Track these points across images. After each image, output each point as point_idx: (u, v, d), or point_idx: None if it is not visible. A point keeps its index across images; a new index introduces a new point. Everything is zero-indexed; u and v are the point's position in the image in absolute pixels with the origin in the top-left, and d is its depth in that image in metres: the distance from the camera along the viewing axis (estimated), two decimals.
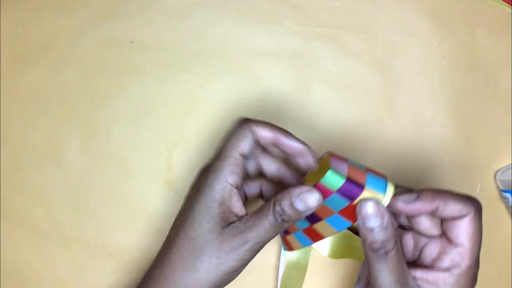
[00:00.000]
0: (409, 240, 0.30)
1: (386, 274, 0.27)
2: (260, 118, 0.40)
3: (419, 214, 0.28)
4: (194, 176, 0.39)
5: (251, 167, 0.31)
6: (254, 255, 0.29)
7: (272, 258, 0.39)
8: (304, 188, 0.27)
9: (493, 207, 0.39)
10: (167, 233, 0.39)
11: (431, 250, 0.28)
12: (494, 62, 0.40)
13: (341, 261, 0.39)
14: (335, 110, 0.40)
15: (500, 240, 0.36)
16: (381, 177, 0.28)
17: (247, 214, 0.29)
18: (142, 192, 0.39)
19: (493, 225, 0.39)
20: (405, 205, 0.27)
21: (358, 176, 0.27)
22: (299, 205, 0.27)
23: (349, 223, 0.28)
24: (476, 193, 0.40)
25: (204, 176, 0.29)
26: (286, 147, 0.30)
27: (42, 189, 0.40)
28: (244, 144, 0.29)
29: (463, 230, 0.27)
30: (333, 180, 0.27)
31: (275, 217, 0.27)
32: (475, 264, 0.27)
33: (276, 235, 0.28)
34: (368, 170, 0.28)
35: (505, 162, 0.40)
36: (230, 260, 0.28)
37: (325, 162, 0.29)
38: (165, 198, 0.39)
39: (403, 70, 0.40)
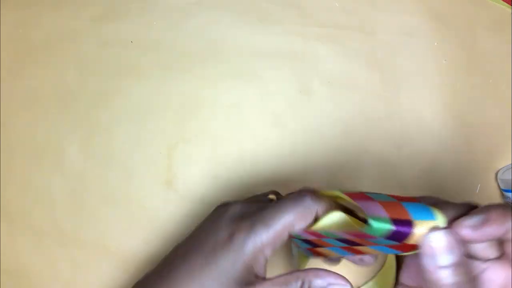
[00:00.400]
0: None
1: None
2: (260, 118, 0.40)
3: (489, 239, 0.22)
4: (194, 176, 0.39)
5: None
6: None
7: (276, 257, 0.39)
8: (339, 280, 0.25)
9: None
10: (167, 233, 0.39)
11: (493, 278, 0.23)
12: (494, 62, 0.40)
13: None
14: (335, 110, 0.40)
15: None
16: (417, 202, 0.23)
17: (265, 278, 0.26)
18: (142, 192, 0.39)
19: None
20: (473, 232, 0.21)
21: (398, 212, 0.23)
22: None
23: (399, 252, 0.24)
24: (476, 193, 0.40)
25: (241, 231, 0.25)
26: None
27: (42, 189, 0.40)
28: (299, 225, 0.25)
29: None
30: (379, 228, 0.22)
31: None
32: None
33: None
34: (400, 199, 0.24)
35: (506, 161, 0.40)
36: None
37: (339, 198, 0.26)
38: (165, 198, 0.39)
39: (403, 70, 0.40)
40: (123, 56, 0.40)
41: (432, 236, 0.21)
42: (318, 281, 0.25)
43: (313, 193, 0.26)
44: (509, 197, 0.38)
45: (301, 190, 0.27)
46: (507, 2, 0.41)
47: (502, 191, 0.39)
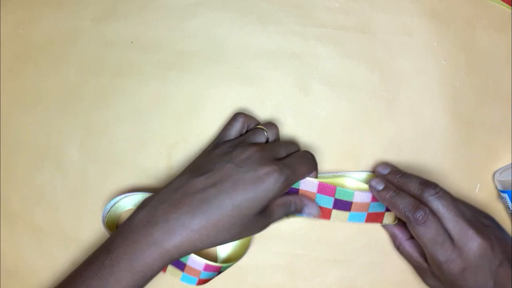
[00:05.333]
0: None
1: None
2: (260, 118, 0.40)
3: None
4: None
5: None
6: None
7: (275, 258, 0.39)
8: (313, 204, 0.36)
9: (492, 207, 0.39)
10: None
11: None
12: (493, 62, 0.40)
13: (340, 262, 0.39)
14: (335, 110, 0.40)
15: None
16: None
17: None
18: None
19: None
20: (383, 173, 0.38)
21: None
22: (305, 213, 0.36)
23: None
24: (475, 193, 0.40)
25: (273, 171, 0.32)
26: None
27: (42, 189, 0.40)
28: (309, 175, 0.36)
29: None
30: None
31: (288, 213, 0.35)
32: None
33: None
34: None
35: (504, 162, 0.40)
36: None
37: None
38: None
39: (403, 70, 0.40)
40: (123, 56, 0.40)
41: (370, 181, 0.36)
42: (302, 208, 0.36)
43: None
44: (505, 197, 0.38)
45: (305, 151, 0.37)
46: (506, 2, 0.41)
47: (499, 192, 0.39)
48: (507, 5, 0.41)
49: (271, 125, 0.37)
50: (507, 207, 0.39)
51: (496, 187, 0.39)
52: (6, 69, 0.41)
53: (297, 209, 0.35)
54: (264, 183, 0.32)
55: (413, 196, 0.34)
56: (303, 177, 0.35)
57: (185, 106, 0.40)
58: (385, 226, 0.39)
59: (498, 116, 0.40)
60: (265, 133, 0.36)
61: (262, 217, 0.33)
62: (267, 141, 0.36)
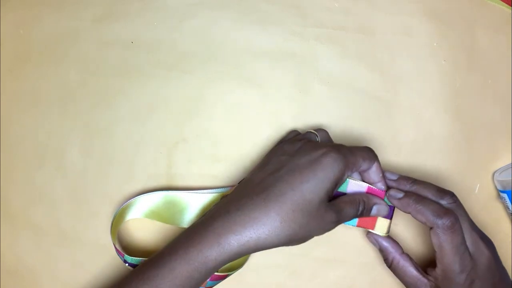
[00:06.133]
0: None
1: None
2: (260, 118, 0.40)
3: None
4: (194, 175, 0.39)
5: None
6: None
7: (275, 258, 0.39)
8: (382, 202, 0.34)
9: (492, 207, 0.39)
10: (167, 233, 0.39)
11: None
12: (493, 62, 0.40)
13: (340, 262, 0.39)
14: (335, 110, 0.40)
15: (498, 240, 0.36)
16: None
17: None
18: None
19: (491, 225, 0.39)
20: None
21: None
22: (374, 212, 0.34)
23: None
24: (475, 193, 0.40)
25: (332, 152, 0.31)
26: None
27: (42, 189, 0.40)
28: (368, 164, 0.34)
29: None
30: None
31: (357, 212, 0.33)
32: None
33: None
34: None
35: (504, 162, 0.40)
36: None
37: None
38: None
39: (403, 70, 0.40)
40: (124, 56, 0.40)
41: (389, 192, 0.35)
42: (371, 205, 0.34)
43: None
44: (504, 198, 0.38)
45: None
46: (506, 2, 0.41)
47: (499, 192, 0.39)
48: (507, 5, 0.41)
49: (321, 130, 0.37)
50: (507, 207, 0.39)
51: (496, 187, 0.39)
52: (6, 69, 0.41)
53: (366, 208, 0.34)
54: (321, 164, 0.31)
55: None
56: (363, 162, 0.33)
57: (185, 106, 0.40)
58: (375, 241, 0.37)
59: (498, 116, 0.40)
60: (316, 136, 0.36)
61: (329, 209, 0.31)
62: None
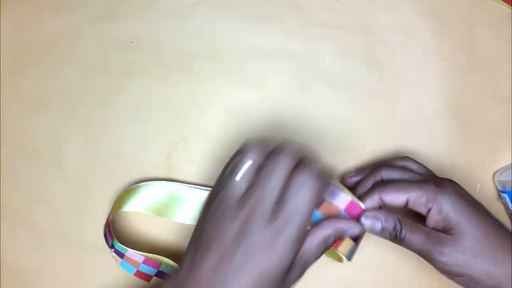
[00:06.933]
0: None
1: (414, 241, 0.31)
2: (260, 118, 0.40)
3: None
4: (193, 175, 0.39)
5: None
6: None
7: None
8: (351, 226, 0.31)
9: (492, 207, 0.39)
10: (167, 232, 0.39)
11: (416, 208, 0.32)
12: (494, 62, 0.40)
13: (340, 262, 0.39)
14: (335, 110, 0.40)
15: None
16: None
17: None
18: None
19: None
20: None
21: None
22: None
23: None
24: (475, 193, 0.40)
25: (250, 214, 0.27)
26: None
27: (42, 189, 0.40)
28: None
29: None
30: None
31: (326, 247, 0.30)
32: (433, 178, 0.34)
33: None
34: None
35: (504, 162, 0.40)
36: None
37: None
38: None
39: (403, 70, 0.40)
40: (123, 56, 0.40)
41: (362, 223, 0.31)
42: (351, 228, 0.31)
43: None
44: (505, 198, 0.38)
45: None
46: (507, 2, 0.41)
47: (499, 192, 0.39)
48: (507, 5, 0.41)
49: (288, 148, 0.29)
50: (507, 207, 0.39)
51: (496, 187, 0.39)
52: (6, 69, 0.41)
53: (336, 238, 0.30)
54: (280, 245, 0.26)
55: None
56: (311, 211, 0.28)
57: (185, 106, 0.40)
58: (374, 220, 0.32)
59: (498, 116, 0.40)
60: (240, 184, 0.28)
61: (291, 271, 0.28)
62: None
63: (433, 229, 0.32)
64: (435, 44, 0.40)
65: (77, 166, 0.40)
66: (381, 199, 0.32)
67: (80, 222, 0.39)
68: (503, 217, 0.39)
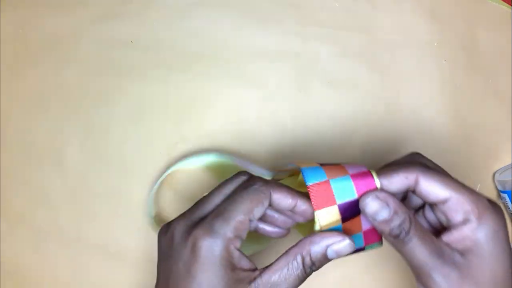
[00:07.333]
0: (429, 213, 0.28)
1: (419, 250, 0.24)
2: (260, 118, 0.40)
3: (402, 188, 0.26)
4: (194, 175, 0.39)
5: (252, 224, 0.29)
6: None
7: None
8: (334, 238, 0.26)
9: None
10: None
11: (450, 212, 0.26)
12: (494, 62, 0.40)
13: (340, 262, 0.39)
14: (335, 110, 0.40)
15: None
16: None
17: (255, 268, 0.26)
18: (142, 192, 0.39)
19: None
20: (389, 184, 0.26)
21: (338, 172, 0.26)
22: (333, 255, 0.26)
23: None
24: None
25: (201, 238, 0.25)
26: (301, 212, 0.28)
27: (42, 189, 0.40)
28: (258, 211, 0.26)
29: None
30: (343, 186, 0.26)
31: (305, 271, 0.26)
32: (485, 205, 0.26)
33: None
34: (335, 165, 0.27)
35: (504, 162, 0.40)
36: None
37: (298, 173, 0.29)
38: (165, 198, 0.39)
39: (403, 70, 0.40)
40: (123, 56, 0.40)
41: (364, 202, 0.25)
42: (316, 248, 0.25)
43: (264, 183, 0.27)
44: (505, 198, 0.38)
45: (250, 178, 0.28)
46: (507, 2, 0.41)
47: (499, 192, 0.39)
48: (507, 5, 0.41)
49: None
50: (507, 207, 0.39)
51: (496, 187, 0.39)
52: (6, 69, 0.41)
53: (313, 261, 0.26)
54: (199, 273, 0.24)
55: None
56: (245, 216, 0.25)
57: (185, 106, 0.40)
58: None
59: (498, 116, 0.40)
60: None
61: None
62: None
63: (446, 244, 0.25)
64: (435, 44, 0.40)
65: (77, 166, 0.40)
66: (417, 183, 0.26)
67: (80, 222, 0.39)
68: None
